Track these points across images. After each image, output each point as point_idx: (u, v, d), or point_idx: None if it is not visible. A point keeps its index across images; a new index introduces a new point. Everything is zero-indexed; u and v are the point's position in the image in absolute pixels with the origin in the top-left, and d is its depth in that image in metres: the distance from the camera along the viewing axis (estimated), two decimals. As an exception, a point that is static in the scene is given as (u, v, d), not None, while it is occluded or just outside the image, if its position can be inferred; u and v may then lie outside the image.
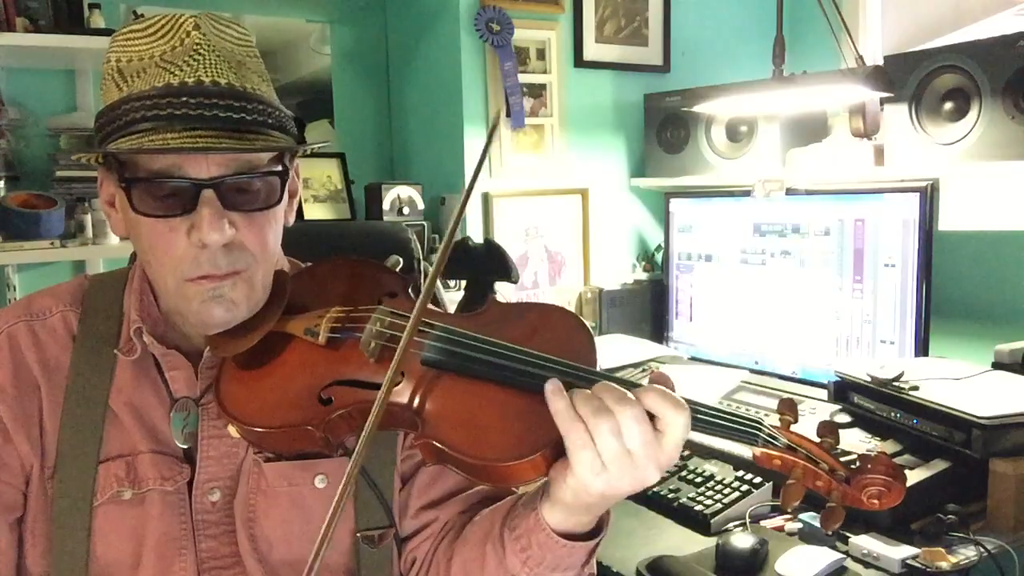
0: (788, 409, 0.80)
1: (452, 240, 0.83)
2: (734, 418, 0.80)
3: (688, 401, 0.77)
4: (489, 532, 0.88)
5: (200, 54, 0.82)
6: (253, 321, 0.89)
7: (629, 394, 0.75)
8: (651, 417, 0.74)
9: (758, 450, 0.78)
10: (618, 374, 2.19)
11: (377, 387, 0.78)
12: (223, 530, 0.91)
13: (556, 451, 0.77)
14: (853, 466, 0.77)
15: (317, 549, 0.69)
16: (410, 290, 0.95)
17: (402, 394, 0.82)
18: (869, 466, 0.76)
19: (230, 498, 0.91)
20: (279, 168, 0.87)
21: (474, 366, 0.81)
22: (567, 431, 0.74)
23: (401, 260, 1.06)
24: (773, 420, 0.81)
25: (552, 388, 0.76)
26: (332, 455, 0.89)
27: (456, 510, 0.98)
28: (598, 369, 0.81)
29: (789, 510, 0.76)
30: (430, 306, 0.88)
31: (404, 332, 0.79)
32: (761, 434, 0.78)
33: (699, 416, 0.78)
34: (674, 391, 0.77)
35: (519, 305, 0.93)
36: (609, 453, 0.73)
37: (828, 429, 0.78)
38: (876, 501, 0.75)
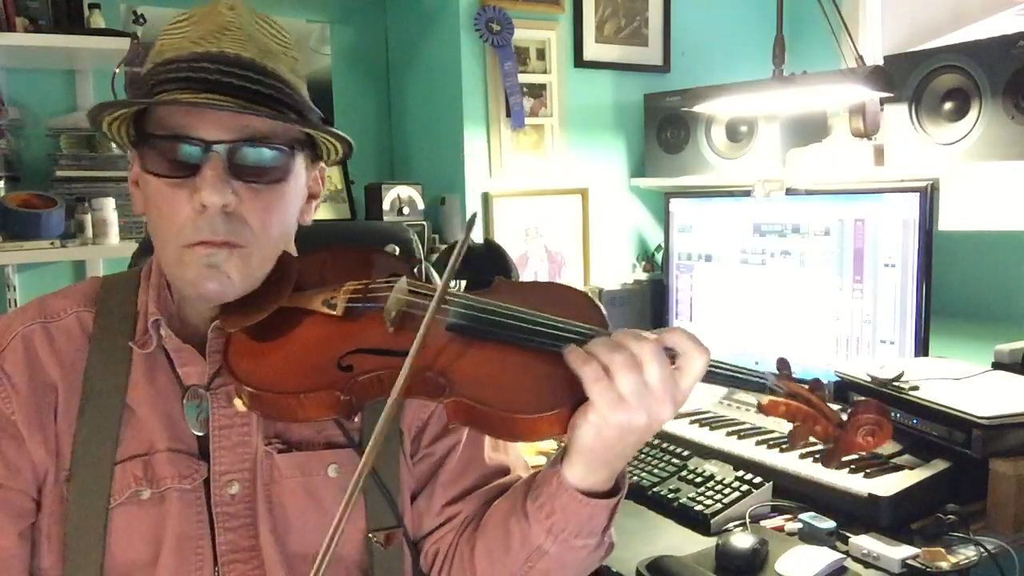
0: (784, 366, 0.88)
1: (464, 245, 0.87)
2: (744, 369, 0.86)
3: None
4: (511, 510, 0.90)
5: (228, 31, 0.85)
6: (264, 295, 0.90)
7: (646, 333, 0.78)
8: (671, 357, 0.78)
9: (765, 398, 0.85)
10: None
11: (397, 354, 0.81)
12: (243, 523, 0.91)
13: (578, 407, 0.80)
14: (845, 412, 0.84)
15: (329, 541, 0.70)
16: (415, 271, 0.99)
17: (428, 358, 0.83)
18: (860, 408, 0.83)
19: (249, 491, 0.91)
20: (293, 150, 0.89)
21: (496, 329, 0.85)
22: (583, 366, 0.76)
23: (397, 248, 1.08)
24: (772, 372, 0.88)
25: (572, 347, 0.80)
26: (350, 423, 0.91)
27: (478, 503, 0.99)
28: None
29: (797, 447, 0.85)
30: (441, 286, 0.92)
31: (429, 300, 0.84)
32: (768, 382, 0.85)
33: (714, 366, 0.82)
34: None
35: (526, 283, 0.97)
36: (626, 385, 0.75)
37: (817, 385, 0.86)
38: (871, 439, 0.83)
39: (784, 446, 1.58)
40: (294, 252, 1.00)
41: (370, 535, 0.94)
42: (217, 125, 0.83)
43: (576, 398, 0.78)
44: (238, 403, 0.87)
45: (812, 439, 0.85)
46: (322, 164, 0.99)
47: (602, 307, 0.90)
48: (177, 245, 0.86)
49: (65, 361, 0.92)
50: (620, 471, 0.86)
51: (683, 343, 0.78)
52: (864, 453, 1.26)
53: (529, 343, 0.83)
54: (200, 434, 0.92)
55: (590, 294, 2.41)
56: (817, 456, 1.52)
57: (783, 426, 1.70)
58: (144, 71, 0.88)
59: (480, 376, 0.82)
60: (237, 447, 0.92)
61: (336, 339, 0.88)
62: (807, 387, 0.86)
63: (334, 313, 0.90)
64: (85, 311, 0.95)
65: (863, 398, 0.85)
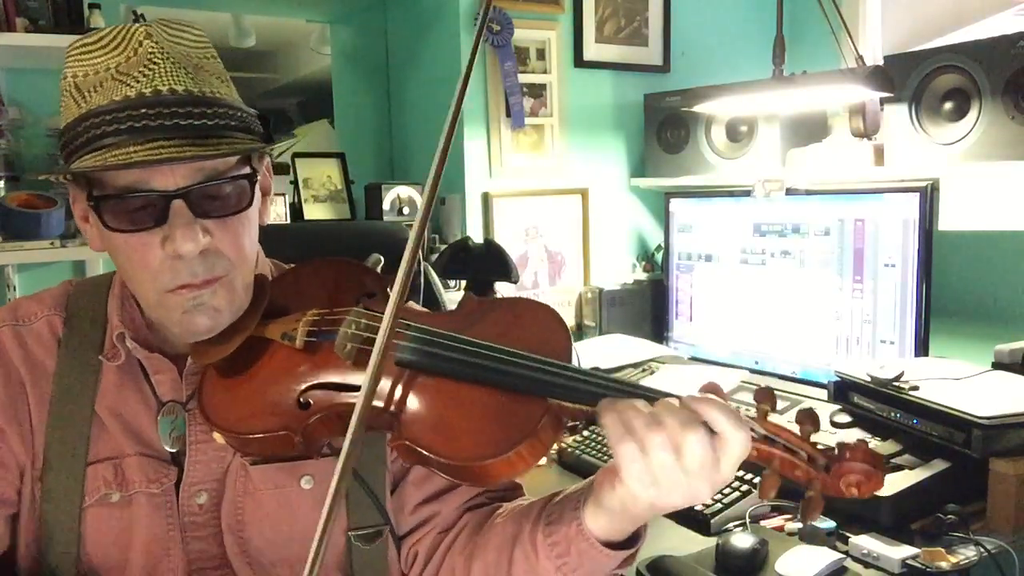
0: (765, 398, 0.78)
1: (418, 246, 0.82)
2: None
3: (653, 389, 0.76)
4: (517, 535, 0.87)
5: (155, 63, 0.81)
6: (232, 327, 0.88)
7: (693, 407, 0.73)
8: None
9: None
10: (618, 374, 2.19)
11: (355, 389, 0.78)
12: (210, 532, 0.91)
13: (532, 448, 0.77)
14: (832, 454, 0.75)
15: (313, 558, 0.68)
16: (388, 289, 0.95)
17: (378, 396, 0.81)
18: (848, 454, 0.73)
19: (217, 501, 0.91)
20: (247, 170, 0.87)
21: (447, 365, 0.81)
22: (616, 442, 0.72)
23: (382, 259, 1.06)
24: (751, 412, 0.79)
25: (605, 403, 0.75)
26: (314, 457, 0.89)
27: (457, 503, 0.97)
28: (576, 364, 0.81)
29: (766, 501, 0.74)
30: (407, 304, 0.89)
31: (375, 333, 0.77)
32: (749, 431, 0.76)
33: None
34: (723, 396, 0.75)
35: (495, 301, 0.93)
36: (661, 468, 0.71)
37: (807, 417, 0.76)
38: (855, 489, 0.73)
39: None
40: (263, 259, 0.99)
41: (350, 532, 0.94)
42: (173, 174, 0.81)
43: (531, 434, 0.75)
44: (217, 437, 0.86)
45: (791, 483, 0.75)
46: (268, 158, 0.96)
47: (569, 332, 0.86)
48: (157, 291, 0.85)
49: (35, 364, 0.92)
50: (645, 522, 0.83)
51: (719, 421, 0.72)
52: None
53: (482, 379, 0.80)
54: (173, 451, 0.91)
55: (590, 294, 2.39)
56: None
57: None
58: (71, 114, 0.83)
59: (428, 416, 0.80)
60: (212, 462, 0.92)
61: (297, 373, 0.86)
62: (790, 427, 0.76)
63: (294, 346, 0.87)
64: (55, 315, 0.95)
65: (852, 442, 0.74)
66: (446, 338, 0.83)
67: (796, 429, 0.76)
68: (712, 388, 0.77)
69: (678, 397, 0.76)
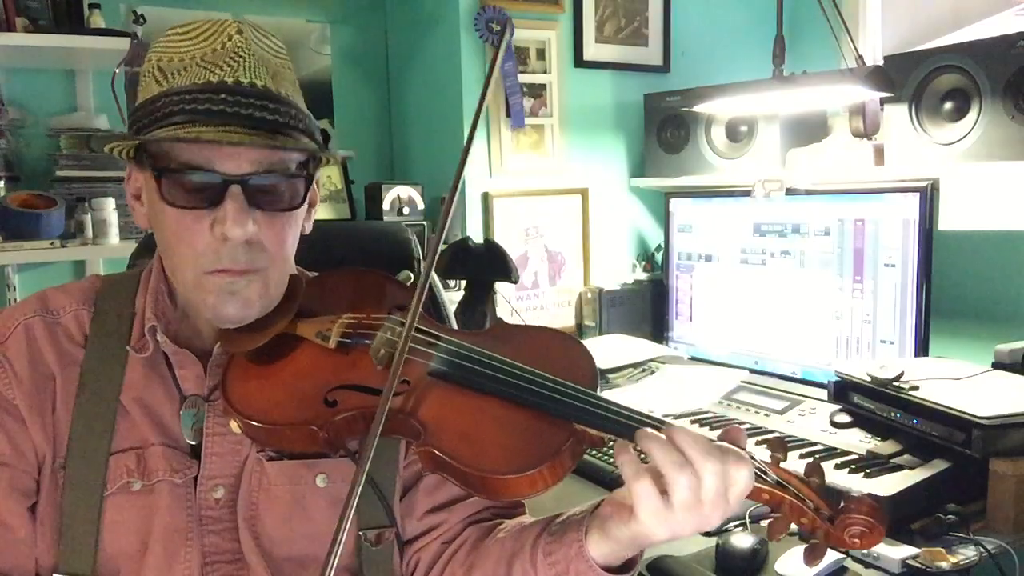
0: (779, 447, 0.82)
1: (439, 244, 0.87)
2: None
3: (680, 428, 0.78)
4: (518, 552, 0.89)
5: (241, 56, 0.85)
6: (265, 321, 0.91)
7: (712, 449, 0.76)
8: None
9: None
10: (618, 374, 2.18)
11: (380, 393, 0.80)
12: (226, 526, 0.92)
13: (553, 469, 0.79)
14: (838, 506, 0.79)
15: (327, 559, 0.71)
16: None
17: (407, 403, 0.84)
18: (852, 506, 0.77)
19: (233, 495, 0.92)
20: (304, 173, 0.90)
21: (479, 379, 0.84)
22: (633, 480, 0.75)
23: (412, 275, 1.09)
24: (764, 456, 0.82)
25: (620, 443, 0.78)
26: (332, 456, 0.90)
27: (463, 515, 0.99)
28: (598, 392, 0.84)
29: (776, 539, 0.79)
30: (437, 324, 0.92)
31: (412, 342, 0.82)
32: (756, 464, 0.80)
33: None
34: (744, 445, 0.79)
35: (526, 327, 0.98)
36: (681, 503, 0.74)
37: (815, 469, 0.81)
38: (857, 540, 0.77)
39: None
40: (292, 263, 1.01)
41: (360, 533, 0.95)
42: (236, 158, 0.84)
43: (554, 455, 0.78)
44: (233, 425, 0.89)
45: (796, 530, 0.80)
46: (319, 174, 1.00)
47: (596, 365, 0.89)
48: (196, 271, 0.87)
49: (63, 356, 0.93)
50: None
51: (727, 461, 0.76)
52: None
53: (511, 397, 0.82)
54: (193, 443, 0.93)
55: (590, 294, 2.40)
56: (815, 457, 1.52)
57: (783, 427, 1.70)
58: (150, 92, 0.86)
59: (455, 426, 0.82)
60: (228, 455, 0.93)
61: (326, 372, 0.88)
62: (800, 475, 0.81)
63: (327, 345, 0.90)
64: (83, 310, 0.97)
65: (857, 494, 0.80)
66: (480, 353, 0.86)
67: (805, 479, 0.80)
68: (733, 434, 0.80)
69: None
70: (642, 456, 0.78)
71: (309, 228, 0.99)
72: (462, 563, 0.95)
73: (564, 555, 0.84)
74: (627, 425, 0.80)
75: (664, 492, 0.75)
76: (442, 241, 0.87)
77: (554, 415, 0.81)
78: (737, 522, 1.43)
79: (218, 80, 0.83)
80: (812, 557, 0.78)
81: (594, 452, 1.69)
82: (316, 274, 1.05)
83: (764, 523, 0.82)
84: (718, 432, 0.82)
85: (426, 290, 0.84)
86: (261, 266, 0.88)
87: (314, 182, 0.97)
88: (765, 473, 0.79)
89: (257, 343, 0.90)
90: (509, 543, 0.92)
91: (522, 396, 0.82)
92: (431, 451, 0.80)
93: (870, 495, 0.79)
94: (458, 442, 0.80)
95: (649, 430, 0.78)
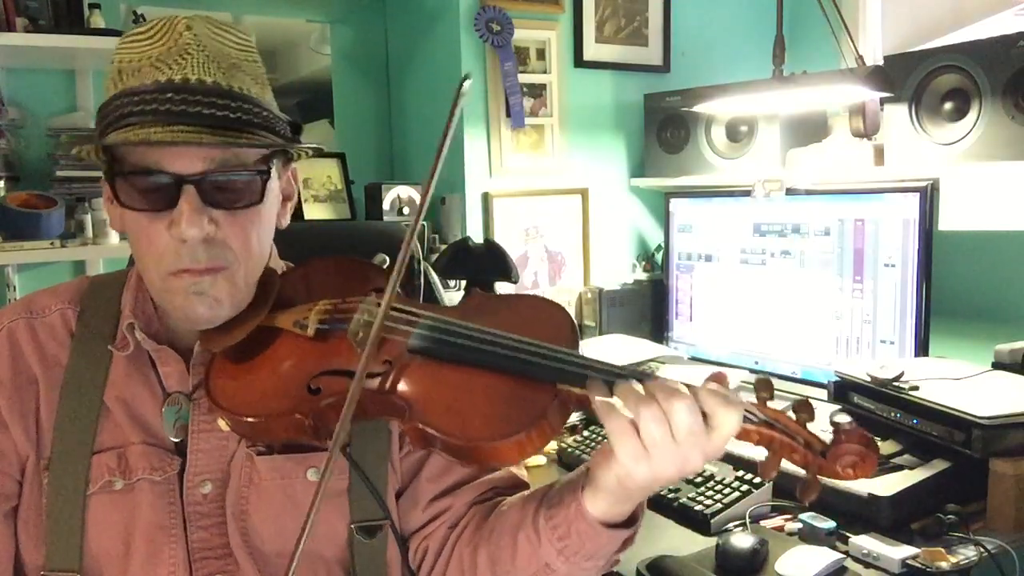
0: (764, 387, 0.82)
1: (415, 229, 0.86)
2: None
3: (660, 377, 0.78)
4: (521, 522, 0.89)
5: (189, 53, 0.84)
6: (242, 316, 0.91)
7: (680, 387, 0.76)
8: (704, 415, 0.75)
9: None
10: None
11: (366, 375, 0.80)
12: (214, 522, 0.92)
13: (541, 431, 0.79)
14: (828, 439, 0.78)
15: (300, 536, 0.71)
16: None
17: (389, 382, 0.84)
18: (843, 438, 0.77)
19: (222, 491, 0.93)
20: (266, 168, 0.89)
21: (458, 351, 0.84)
22: (607, 419, 0.75)
23: (388, 259, 1.08)
24: (751, 398, 0.82)
25: (591, 383, 0.78)
26: (323, 447, 0.90)
27: (468, 498, 0.99)
28: (582, 353, 0.83)
29: (768, 481, 0.78)
30: (411, 300, 0.92)
31: (390, 321, 0.82)
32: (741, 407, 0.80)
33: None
34: (728, 388, 0.78)
35: (501, 296, 0.95)
36: (652, 441, 0.74)
37: (803, 406, 0.80)
38: (851, 470, 0.77)
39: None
40: (276, 259, 1.01)
41: (352, 526, 0.95)
42: (187, 157, 0.83)
43: (540, 419, 0.78)
44: (221, 423, 0.88)
45: (789, 466, 0.79)
46: (293, 165, 0.99)
47: (574, 322, 0.89)
48: (160, 273, 0.87)
49: (47, 356, 0.94)
50: (641, 502, 0.86)
51: (712, 403, 0.75)
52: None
53: (492, 366, 0.82)
54: (177, 440, 0.93)
55: (590, 294, 2.40)
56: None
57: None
58: (109, 95, 0.86)
59: (440, 400, 0.82)
60: (214, 451, 0.93)
61: (307, 360, 0.88)
62: (788, 411, 0.80)
63: (306, 334, 0.90)
64: (69, 308, 0.97)
65: (847, 425, 0.78)
66: (458, 326, 0.85)
67: (793, 416, 0.80)
68: (717, 377, 0.79)
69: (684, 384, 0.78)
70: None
71: (285, 223, 0.98)
72: (468, 542, 0.95)
73: (564, 517, 0.85)
74: (606, 380, 0.79)
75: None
76: (421, 218, 0.87)
77: (535, 379, 0.81)
78: (737, 522, 1.43)
79: (166, 79, 0.82)
80: (806, 492, 0.78)
81: (587, 449, 1.69)
82: (291, 264, 1.05)
83: (760, 464, 0.80)
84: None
85: (403, 272, 0.82)
86: (225, 264, 0.87)
87: (285, 176, 0.96)
88: (753, 414, 0.79)
89: (236, 339, 0.90)
90: (512, 515, 0.92)
91: (501, 363, 0.82)
92: (418, 427, 0.80)
93: (856, 423, 0.79)
94: (443, 415, 0.80)
95: (628, 382, 0.77)
